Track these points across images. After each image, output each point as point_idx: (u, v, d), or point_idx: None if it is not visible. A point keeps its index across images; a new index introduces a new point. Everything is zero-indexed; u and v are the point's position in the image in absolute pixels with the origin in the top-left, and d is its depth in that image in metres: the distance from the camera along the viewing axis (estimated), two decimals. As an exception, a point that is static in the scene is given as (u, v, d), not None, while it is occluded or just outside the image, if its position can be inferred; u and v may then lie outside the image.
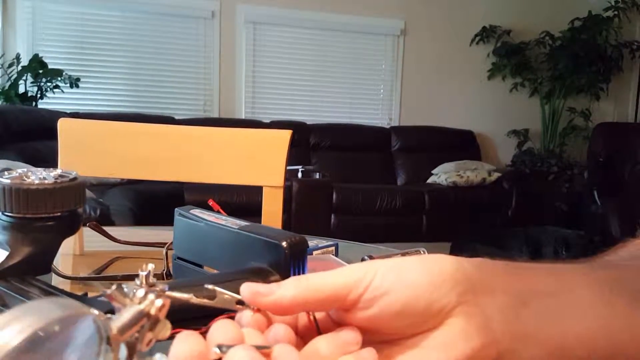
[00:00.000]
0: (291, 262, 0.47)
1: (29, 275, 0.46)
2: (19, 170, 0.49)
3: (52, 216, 0.48)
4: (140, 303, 0.27)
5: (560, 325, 0.32)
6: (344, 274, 0.32)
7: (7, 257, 0.47)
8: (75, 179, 0.49)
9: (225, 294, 0.33)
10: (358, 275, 0.31)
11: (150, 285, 0.34)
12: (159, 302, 0.27)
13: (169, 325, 0.28)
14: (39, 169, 0.50)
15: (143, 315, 0.26)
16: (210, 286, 0.33)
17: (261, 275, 0.47)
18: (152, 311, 0.27)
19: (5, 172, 0.48)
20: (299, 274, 0.48)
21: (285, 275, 0.48)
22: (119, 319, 0.26)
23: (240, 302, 0.33)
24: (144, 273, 0.33)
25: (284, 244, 0.48)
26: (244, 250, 0.51)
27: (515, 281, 0.33)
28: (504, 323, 0.31)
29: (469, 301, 0.31)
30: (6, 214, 0.48)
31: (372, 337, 0.32)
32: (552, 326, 0.32)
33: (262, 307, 0.32)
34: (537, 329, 0.32)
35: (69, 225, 0.51)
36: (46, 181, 0.48)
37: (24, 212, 0.47)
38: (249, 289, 0.32)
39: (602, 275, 0.36)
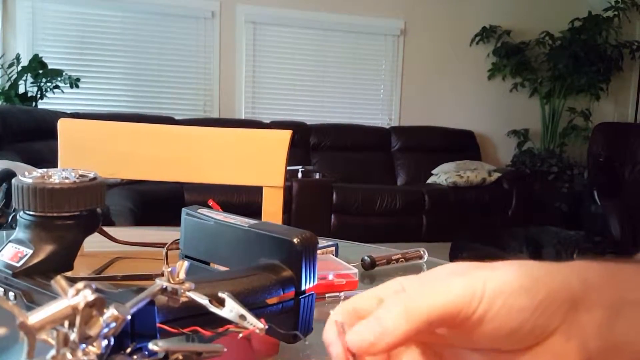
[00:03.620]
0: (302, 258, 0.48)
1: (53, 272, 0.47)
2: (40, 170, 0.50)
3: (74, 215, 0.49)
4: (72, 297, 0.27)
5: None
6: (452, 294, 0.30)
7: (31, 255, 0.48)
8: (95, 178, 0.51)
9: (232, 307, 0.33)
10: (467, 295, 0.30)
11: (179, 283, 0.35)
12: (90, 298, 0.27)
13: (100, 321, 0.28)
14: (58, 169, 0.51)
15: (70, 309, 0.26)
16: (224, 294, 0.34)
17: (274, 271, 0.48)
18: (81, 306, 0.26)
19: (26, 172, 0.49)
20: (310, 269, 0.49)
21: (296, 271, 0.48)
22: (39, 310, 0.26)
23: (242, 317, 0.33)
24: (169, 270, 0.33)
25: (296, 240, 0.48)
26: (255, 247, 0.52)
27: (611, 291, 0.32)
28: (599, 340, 0.31)
29: (570, 320, 0.31)
30: (29, 212, 0.49)
31: (462, 344, 0.32)
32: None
33: (377, 353, 0.30)
34: (629, 339, 0.32)
35: (90, 224, 0.52)
36: (68, 180, 0.48)
37: (47, 211, 0.48)
38: (359, 341, 0.30)
39: None
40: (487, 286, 0.30)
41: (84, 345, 0.27)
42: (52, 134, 1.18)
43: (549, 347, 0.31)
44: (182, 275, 0.35)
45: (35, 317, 0.25)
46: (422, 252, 0.87)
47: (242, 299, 0.36)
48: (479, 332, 0.30)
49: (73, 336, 0.26)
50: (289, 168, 1.18)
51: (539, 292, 0.30)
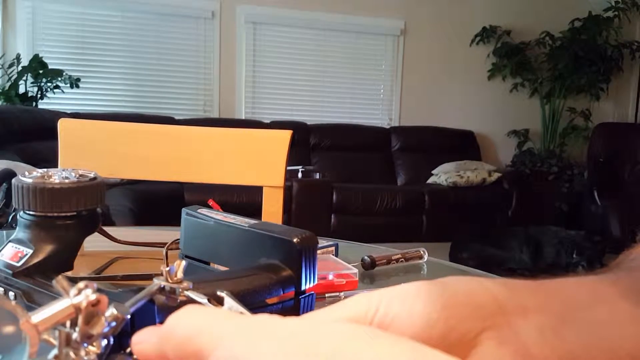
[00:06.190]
0: (302, 258, 0.48)
1: (53, 272, 0.47)
2: (40, 170, 0.50)
3: (74, 215, 0.49)
4: (74, 297, 0.27)
5: (606, 342, 0.28)
6: (348, 308, 0.28)
7: (32, 255, 0.48)
8: (95, 178, 0.51)
9: (231, 306, 0.33)
10: (362, 307, 0.27)
11: (177, 282, 0.35)
12: (92, 297, 0.27)
13: (102, 320, 0.28)
14: (58, 169, 0.51)
15: (72, 308, 0.26)
16: (223, 293, 0.34)
17: (274, 271, 0.48)
18: (83, 305, 0.27)
19: (26, 172, 0.49)
20: (310, 269, 0.49)
21: (296, 271, 0.48)
22: (41, 310, 0.26)
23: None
24: (167, 269, 0.33)
25: (295, 240, 0.48)
26: (255, 247, 0.52)
27: (547, 298, 0.29)
28: (546, 346, 0.27)
29: (498, 324, 0.26)
30: (29, 212, 0.49)
31: None
32: (598, 343, 0.28)
33: None
34: (583, 348, 0.27)
35: (90, 224, 0.52)
36: (68, 180, 0.48)
37: (47, 210, 0.48)
38: None
39: (630, 282, 0.31)
40: (385, 295, 0.27)
41: (85, 345, 0.27)
42: (52, 134, 1.18)
43: (480, 357, 0.26)
44: (180, 275, 0.35)
45: (37, 317, 0.25)
46: (422, 252, 0.87)
47: (242, 298, 0.36)
48: None
49: (75, 336, 0.27)
50: (289, 168, 1.19)
51: (445, 291, 0.27)
